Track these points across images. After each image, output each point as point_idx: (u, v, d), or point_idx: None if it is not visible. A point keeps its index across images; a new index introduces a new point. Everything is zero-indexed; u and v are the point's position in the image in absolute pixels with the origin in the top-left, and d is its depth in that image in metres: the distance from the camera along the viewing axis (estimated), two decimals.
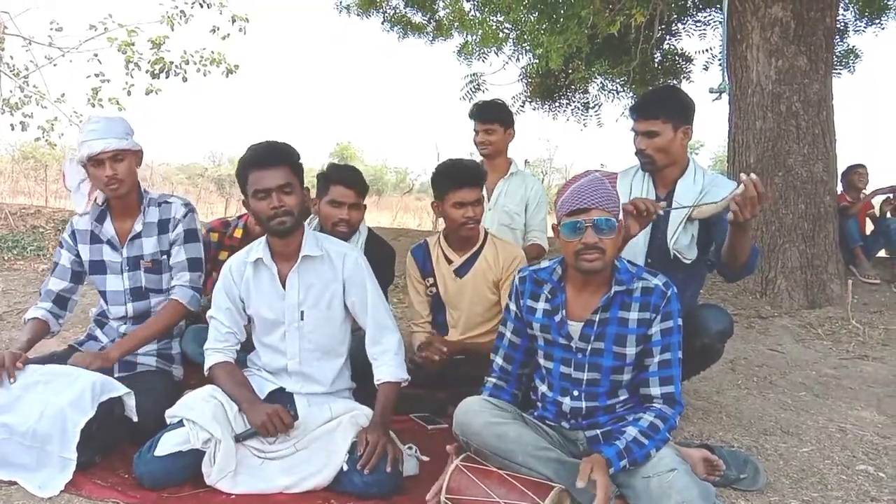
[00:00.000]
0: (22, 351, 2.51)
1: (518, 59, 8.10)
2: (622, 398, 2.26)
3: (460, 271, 3.12)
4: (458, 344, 3.07)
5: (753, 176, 2.37)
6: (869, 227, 6.86)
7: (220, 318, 2.57)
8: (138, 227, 2.78)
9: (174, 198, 2.90)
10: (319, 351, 2.58)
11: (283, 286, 2.53)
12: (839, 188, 6.26)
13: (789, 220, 5.59)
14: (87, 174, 2.71)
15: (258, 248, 2.56)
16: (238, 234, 3.36)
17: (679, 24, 7.94)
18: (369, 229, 3.32)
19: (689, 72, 8.16)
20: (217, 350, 2.54)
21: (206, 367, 2.54)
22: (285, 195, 2.40)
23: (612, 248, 2.13)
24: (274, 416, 2.28)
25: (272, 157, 2.42)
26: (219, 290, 2.59)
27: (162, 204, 2.85)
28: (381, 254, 3.12)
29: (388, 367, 2.52)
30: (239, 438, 2.30)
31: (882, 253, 6.85)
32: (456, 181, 2.97)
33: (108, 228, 2.79)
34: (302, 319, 2.54)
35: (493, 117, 3.84)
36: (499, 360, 2.45)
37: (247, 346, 2.70)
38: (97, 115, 3.01)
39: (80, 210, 2.81)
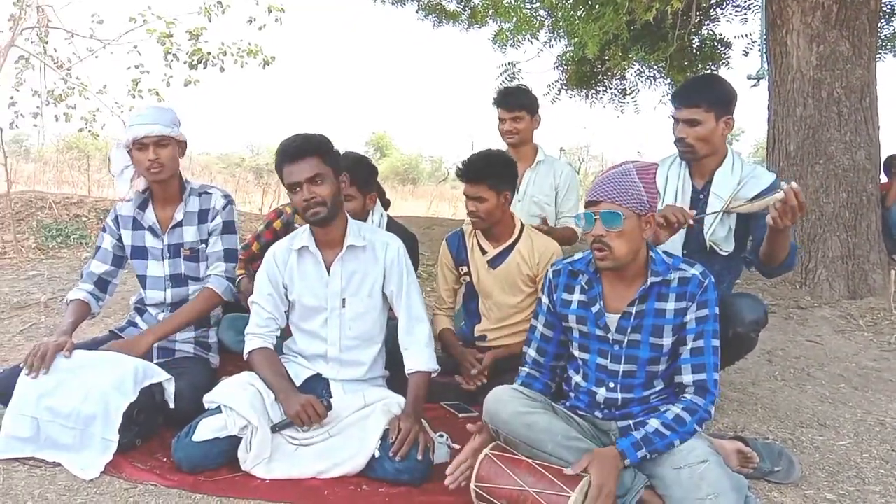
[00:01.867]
0: (67, 335, 2.57)
1: (553, 46, 8.04)
2: (657, 388, 2.25)
3: (494, 262, 3.12)
4: (499, 354, 3.06)
5: (795, 185, 2.31)
6: None
7: (261, 304, 2.61)
8: (179, 215, 2.85)
9: (214, 188, 2.96)
10: (359, 339, 2.62)
11: (328, 273, 2.57)
12: (883, 177, 6.10)
13: (830, 209, 5.47)
14: (132, 159, 2.77)
15: (302, 235, 2.61)
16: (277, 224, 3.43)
17: (718, 10, 7.78)
18: (389, 217, 3.34)
19: (729, 58, 7.99)
20: (257, 335, 2.59)
21: (246, 351, 2.59)
22: (316, 186, 2.44)
23: (623, 246, 2.10)
24: (308, 407, 2.33)
25: (300, 149, 2.46)
26: (262, 276, 2.63)
27: (202, 194, 2.91)
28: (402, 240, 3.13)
29: (420, 358, 2.55)
30: (275, 429, 2.35)
31: None
32: (459, 176, 2.99)
33: (150, 215, 2.86)
34: (344, 307, 2.58)
35: (518, 104, 3.73)
36: (531, 353, 2.45)
37: (283, 333, 2.74)
38: (149, 104, 3.10)
39: (121, 195, 2.89)
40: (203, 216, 2.88)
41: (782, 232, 2.47)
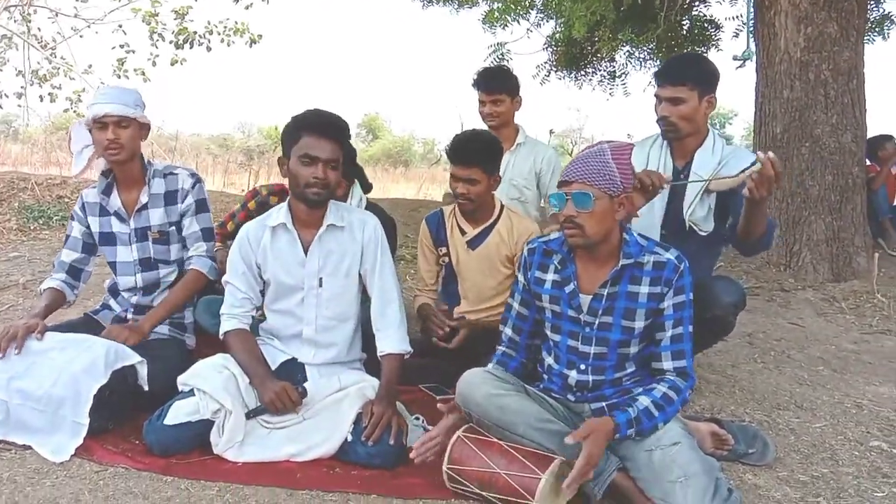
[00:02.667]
0: (39, 318, 2.55)
1: (542, 27, 7.98)
2: (629, 371, 2.24)
3: (473, 243, 3.10)
4: (473, 323, 3.05)
5: (771, 154, 2.31)
6: None
7: (235, 283, 2.59)
8: (144, 198, 2.80)
9: (180, 169, 2.92)
10: (335, 319, 2.61)
11: (304, 253, 2.55)
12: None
13: (816, 192, 5.46)
14: (92, 139, 2.74)
15: (279, 214, 2.58)
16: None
17: None
18: (368, 200, 3.31)
19: (718, 39, 7.93)
20: (233, 315, 2.57)
21: (222, 332, 2.57)
22: (331, 170, 2.44)
23: (594, 225, 2.10)
24: (282, 395, 2.33)
25: (332, 129, 2.46)
26: (234, 255, 2.61)
27: (168, 175, 2.86)
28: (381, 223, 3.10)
29: (391, 340, 2.54)
30: (250, 416, 2.34)
31: None
32: (450, 158, 2.97)
33: (115, 200, 2.82)
34: (321, 286, 2.56)
35: (498, 87, 3.65)
36: (508, 331, 2.45)
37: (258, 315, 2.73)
38: (114, 84, 3.07)
39: (75, 172, 2.87)
40: (170, 198, 2.84)
41: (758, 205, 2.47)
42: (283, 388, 2.33)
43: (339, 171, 2.51)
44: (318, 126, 2.44)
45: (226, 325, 2.57)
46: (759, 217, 2.55)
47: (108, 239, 2.85)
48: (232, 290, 2.60)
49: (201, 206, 2.88)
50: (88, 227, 2.86)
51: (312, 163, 2.41)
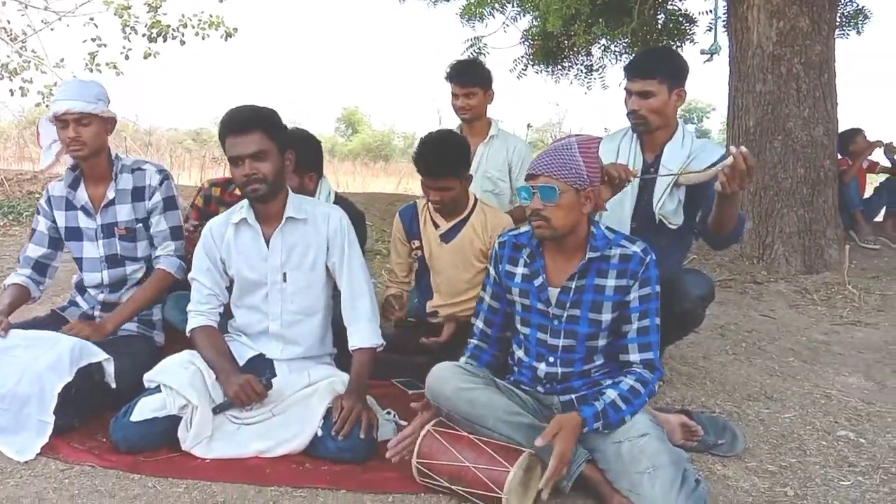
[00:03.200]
0: (3, 315, 2.51)
1: (518, 21, 7.97)
2: (597, 363, 2.25)
3: (446, 237, 3.09)
4: (461, 318, 3.01)
5: (743, 149, 2.32)
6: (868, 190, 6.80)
7: (201, 280, 2.57)
8: (111, 193, 2.76)
9: (148, 164, 2.87)
10: (302, 313, 2.58)
11: (266, 247, 2.53)
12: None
13: (788, 185, 5.52)
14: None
15: (240, 210, 2.56)
16: (238, 192, 3.34)
17: None
18: (337, 195, 3.29)
19: (693, 34, 7.98)
20: (199, 312, 2.55)
21: (188, 329, 2.55)
22: (258, 162, 2.38)
23: (561, 218, 2.11)
24: (246, 387, 2.31)
25: (246, 122, 2.40)
26: (199, 252, 2.59)
27: (136, 171, 2.82)
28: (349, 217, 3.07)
29: (362, 333, 2.52)
30: (217, 410, 2.32)
31: None
32: (422, 173, 2.94)
33: (82, 195, 2.77)
34: (285, 281, 2.54)
35: (471, 80, 3.64)
36: (479, 324, 2.46)
37: (226, 312, 2.70)
38: (74, 78, 3.01)
39: (43, 167, 2.81)
40: (138, 194, 2.80)
41: (730, 199, 2.48)
42: (246, 381, 2.31)
43: (274, 160, 2.41)
44: (233, 124, 2.40)
45: (192, 321, 2.54)
46: (731, 211, 2.57)
47: (75, 234, 2.80)
48: (198, 286, 2.58)
49: (169, 204, 2.84)
50: (54, 221, 2.81)
51: (241, 162, 2.37)
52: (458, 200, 3.00)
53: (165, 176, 2.85)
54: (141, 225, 2.81)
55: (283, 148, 2.48)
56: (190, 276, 2.61)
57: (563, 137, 2.23)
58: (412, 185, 16.09)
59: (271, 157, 2.41)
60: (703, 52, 3.63)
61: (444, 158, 2.90)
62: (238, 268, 2.55)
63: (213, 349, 2.46)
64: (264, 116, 2.44)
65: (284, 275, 2.53)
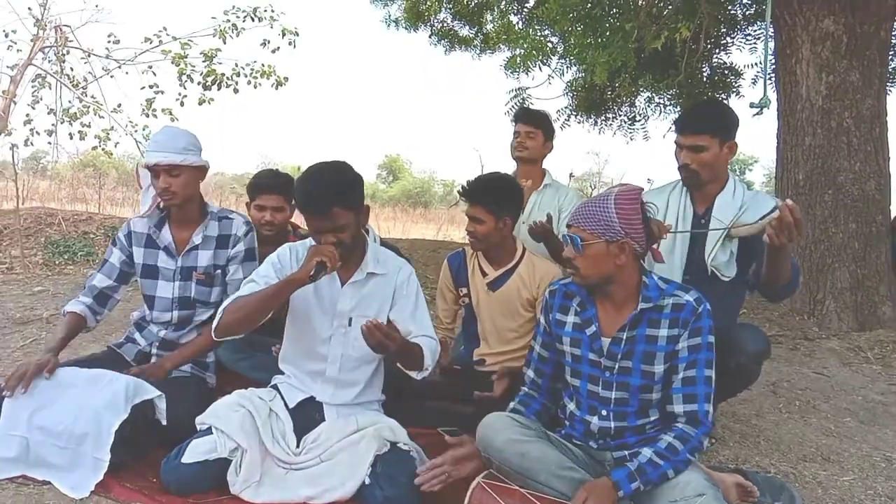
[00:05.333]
0: (54, 353, 2.53)
1: (563, 73, 8.08)
2: (653, 418, 2.21)
3: (494, 285, 3.10)
4: (514, 370, 2.91)
5: (790, 202, 2.31)
6: None
7: (257, 281, 2.44)
8: (197, 238, 2.83)
9: (236, 214, 2.95)
10: (361, 360, 2.57)
11: (340, 290, 2.53)
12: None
13: (839, 240, 5.42)
14: None
15: None
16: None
17: (728, 38, 7.81)
18: (382, 239, 3.33)
19: (739, 86, 8.01)
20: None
21: (221, 308, 2.40)
22: (341, 233, 2.38)
23: (588, 267, 2.15)
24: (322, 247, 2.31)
25: (321, 205, 2.35)
26: (269, 263, 2.50)
27: (223, 219, 2.89)
28: None
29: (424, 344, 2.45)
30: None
31: None
32: (459, 195, 3.02)
33: (167, 235, 2.84)
34: (349, 325, 2.54)
35: (537, 121, 3.75)
36: (530, 373, 2.45)
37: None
38: (172, 126, 3.09)
39: (143, 210, 2.85)
40: (222, 241, 2.86)
41: (780, 251, 2.46)
42: (316, 249, 2.30)
43: (352, 227, 2.41)
44: (310, 205, 2.37)
45: (227, 302, 2.42)
46: (782, 263, 2.54)
47: (151, 272, 2.86)
48: (251, 286, 2.44)
49: (250, 255, 2.90)
50: (130, 256, 2.86)
51: (318, 235, 2.39)
52: (491, 239, 3.00)
53: (250, 228, 2.94)
54: (219, 272, 2.87)
55: (360, 208, 2.46)
56: (248, 279, 2.50)
57: (611, 188, 2.24)
58: (451, 231, 16.19)
59: (350, 226, 2.41)
60: (752, 106, 3.63)
61: (481, 188, 2.97)
62: (307, 307, 2.55)
63: (260, 291, 2.36)
64: (338, 192, 2.37)
65: (350, 319, 2.53)
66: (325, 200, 2.34)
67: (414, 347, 2.39)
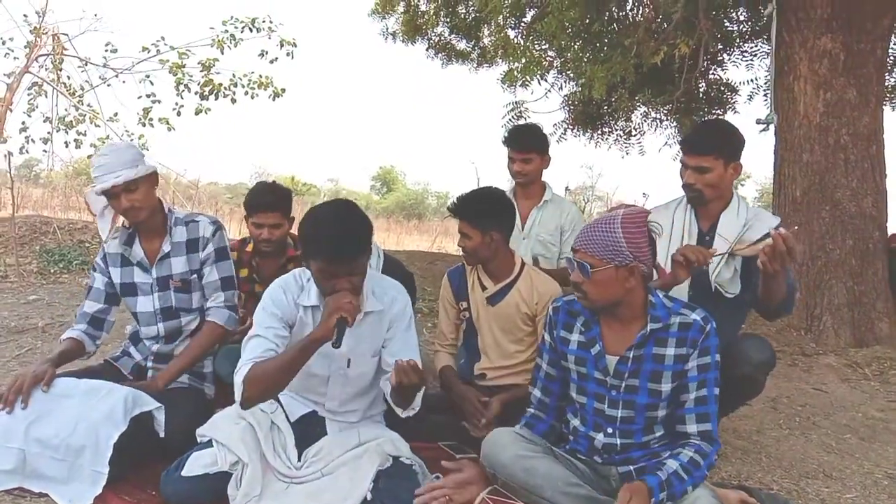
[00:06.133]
0: (52, 364, 2.50)
1: (562, 87, 8.11)
2: (657, 434, 2.20)
3: (493, 300, 3.08)
4: (506, 397, 2.89)
5: (783, 230, 2.32)
6: None
7: (266, 336, 2.32)
8: (166, 247, 2.80)
9: (201, 216, 2.91)
10: (358, 394, 2.54)
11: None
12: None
13: (836, 256, 5.43)
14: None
15: (311, 293, 2.42)
16: (250, 248, 3.39)
17: (724, 55, 7.85)
18: (386, 253, 3.31)
19: (735, 102, 8.03)
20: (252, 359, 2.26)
21: (240, 378, 2.23)
22: (355, 276, 2.30)
23: (597, 293, 2.13)
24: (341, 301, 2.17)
25: (352, 252, 2.28)
26: (270, 314, 2.38)
27: (189, 223, 2.86)
28: (397, 278, 3.08)
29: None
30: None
31: None
32: (447, 210, 2.99)
33: (138, 250, 2.81)
34: (348, 367, 2.48)
35: (529, 145, 3.68)
36: (537, 393, 2.43)
37: None
38: (109, 145, 3.03)
39: (104, 236, 2.82)
40: (192, 245, 2.83)
41: (774, 276, 2.45)
42: (336, 301, 2.17)
43: (364, 273, 2.36)
44: (339, 250, 2.26)
45: (244, 370, 2.25)
46: (777, 285, 2.54)
47: (130, 290, 2.83)
48: (259, 342, 2.32)
49: (221, 255, 2.87)
50: (110, 277, 2.84)
51: (334, 278, 2.26)
52: (479, 254, 2.97)
53: (218, 227, 2.89)
54: (195, 276, 2.84)
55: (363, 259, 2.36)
56: (249, 335, 2.38)
57: (614, 208, 2.22)
58: (446, 243, 16.18)
59: (364, 268, 2.36)
60: (758, 122, 3.64)
61: (467, 204, 2.96)
62: None
63: (285, 352, 2.27)
64: (366, 237, 2.33)
65: (349, 361, 2.47)
66: (357, 247, 2.28)
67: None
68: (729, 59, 7.87)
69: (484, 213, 2.95)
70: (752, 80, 7.51)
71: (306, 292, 2.45)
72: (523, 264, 3.12)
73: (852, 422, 3.74)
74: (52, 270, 5.81)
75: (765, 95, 6.72)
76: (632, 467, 2.18)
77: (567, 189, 12.62)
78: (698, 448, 2.09)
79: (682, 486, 2.00)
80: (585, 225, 2.25)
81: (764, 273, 2.43)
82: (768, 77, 6.04)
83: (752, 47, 7.54)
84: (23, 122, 9.30)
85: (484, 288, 3.10)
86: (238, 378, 2.24)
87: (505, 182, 3.77)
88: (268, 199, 3.27)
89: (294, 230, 3.46)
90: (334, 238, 2.24)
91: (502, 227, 3.00)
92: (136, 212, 2.68)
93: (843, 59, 5.48)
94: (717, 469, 2.86)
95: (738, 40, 7.68)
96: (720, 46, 7.65)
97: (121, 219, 2.83)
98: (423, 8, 9.05)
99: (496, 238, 2.97)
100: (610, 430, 2.20)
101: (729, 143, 2.80)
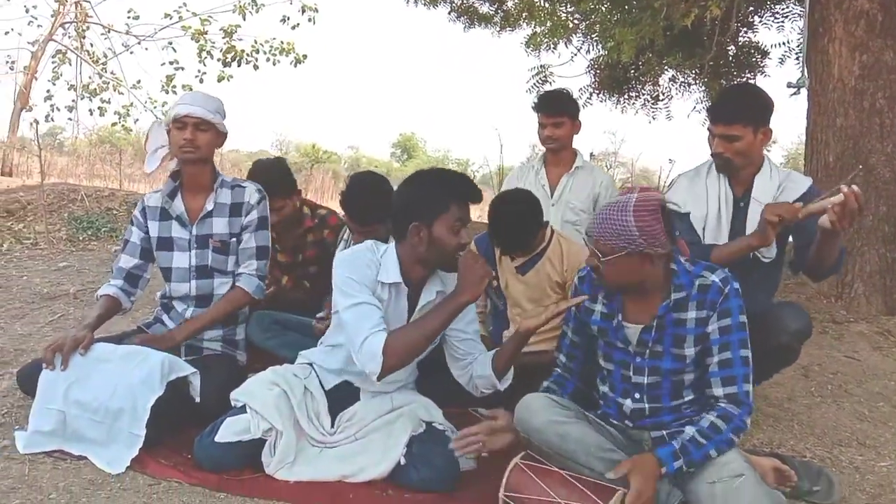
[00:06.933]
0: (90, 329, 2.52)
1: (589, 50, 7.95)
2: (687, 399, 2.18)
3: (522, 269, 3.07)
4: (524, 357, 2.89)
5: (855, 188, 2.26)
6: None
7: (373, 304, 2.28)
8: (210, 205, 2.80)
9: (248, 183, 2.92)
10: (405, 370, 2.46)
11: (407, 315, 2.42)
12: None
13: (869, 223, 5.32)
14: (168, 140, 2.76)
15: (391, 270, 2.36)
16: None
17: (756, 17, 7.65)
18: None
19: (765, 66, 7.83)
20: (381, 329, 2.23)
21: (376, 348, 2.18)
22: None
23: (614, 276, 2.09)
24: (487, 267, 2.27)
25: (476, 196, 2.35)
26: (360, 284, 2.30)
27: (235, 187, 2.86)
28: None
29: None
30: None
31: None
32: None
33: (179, 205, 2.82)
34: None
35: (560, 109, 3.61)
36: (562, 358, 2.43)
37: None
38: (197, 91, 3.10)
39: (148, 170, 2.86)
40: (235, 209, 2.84)
41: (836, 236, 2.41)
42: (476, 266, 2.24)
43: None
44: (472, 195, 2.33)
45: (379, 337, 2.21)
46: (835, 246, 2.51)
47: (166, 244, 2.83)
48: (368, 311, 2.26)
49: (262, 224, 2.87)
50: (147, 231, 2.84)
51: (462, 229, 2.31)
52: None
53: (263, 196, 2.90)
54: (234, 240, 2.84)
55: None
56: (355, 301, 2.28)
57: (627, 191, 2.14)
58: None
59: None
60: (789, 86, 3.54)
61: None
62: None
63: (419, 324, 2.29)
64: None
65: None
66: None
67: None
68: (760, 21, 7.66)
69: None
70: (783, 43, 7.33)
71: (384, 269, 2.37)
72: (553, 232, 3.09)
73: (885, 390, 3.69)
74: (80, 238, 5.86)
75: (797, 58, 6.55)
76: (664, 432, 2.16)
77: (592, 155, 12.48)
78: (722, 411, 2.05)
79: (701, 451, 1.98)
80: (598, 210, 2.21)
81: (827, 232, 2.38)
82: (801, 39, 5.87)
83: (783, 9, 7.32)
84: (47, 91, 9.37)
85: (513, 258, 3.08)
86: (372, 348, 2.18)
87: (527, 149, 3.70)
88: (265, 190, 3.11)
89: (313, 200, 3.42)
90: (466, 179, 2.35)
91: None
92: (193, 150, 2.70)
93: (880, 19, 5.30)
94: (748, 436, 2.84)
95: (769, 2, 7.47)
96: (751, 8, 7.44)
97: (168, 162, 2.84)
98: None
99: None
100: (637, 396, 2.19)
101: (757, 109, 2.72)
